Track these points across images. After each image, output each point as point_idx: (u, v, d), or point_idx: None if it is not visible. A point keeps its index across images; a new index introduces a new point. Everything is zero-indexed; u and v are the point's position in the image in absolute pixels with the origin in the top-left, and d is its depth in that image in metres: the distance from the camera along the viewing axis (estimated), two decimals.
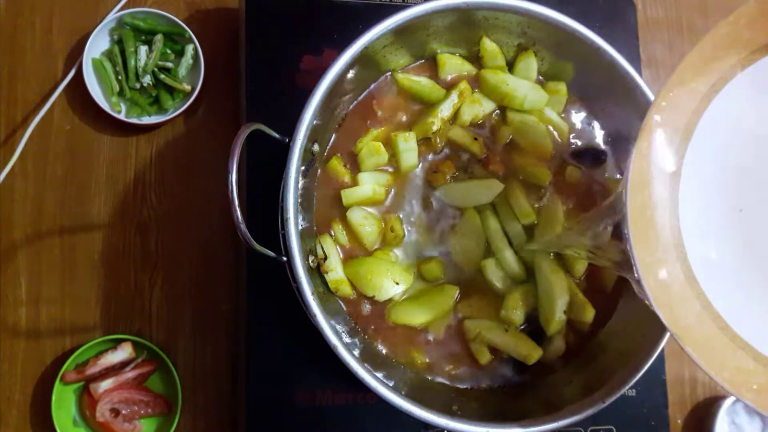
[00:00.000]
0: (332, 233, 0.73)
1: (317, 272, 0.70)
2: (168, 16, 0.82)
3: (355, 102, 0.77)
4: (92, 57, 0.82)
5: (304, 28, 0.81)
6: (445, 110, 0.76)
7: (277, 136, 0.67)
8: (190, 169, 0.85)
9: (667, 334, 0.69)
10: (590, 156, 0.81)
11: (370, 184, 0.74)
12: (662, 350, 0.69)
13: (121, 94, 0.83)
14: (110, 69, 0.82)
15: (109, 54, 0.83)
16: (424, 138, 0.76)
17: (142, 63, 0.82)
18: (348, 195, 0.73)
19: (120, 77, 0.82)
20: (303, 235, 0.68)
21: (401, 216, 0.75)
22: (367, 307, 0.72)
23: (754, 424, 0.92)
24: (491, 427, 0.65)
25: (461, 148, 0.77)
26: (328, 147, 0.75)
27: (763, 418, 0.92)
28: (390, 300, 0.72)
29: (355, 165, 0.75)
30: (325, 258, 0.70)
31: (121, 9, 0.84)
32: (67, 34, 0.84)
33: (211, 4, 0.89)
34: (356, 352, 0.66)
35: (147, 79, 0.82)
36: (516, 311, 0.74)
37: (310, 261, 0.68)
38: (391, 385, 0.65)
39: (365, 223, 0.73)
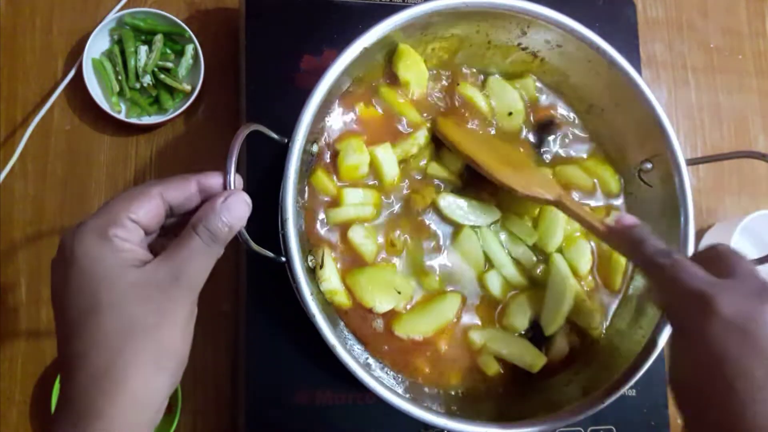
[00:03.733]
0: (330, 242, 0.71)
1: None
2: (168, 16, 0.82)
3: (339, 105, 0.74)
4: (92, 57, 0.82)
5: (304, 28, 0.81)
6: (420, 137, 0.74)
7: (276, 136, 0.67)
8: (190, 169, 0.83)
9: (667, 334, 0.69)
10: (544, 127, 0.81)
11: (354, 205, 0.71)
12: (662, 350, 0.69)
13: (121, 94, 0.83)
14: (110, 69, 0.82)
15: (109, 54, 0.83)
16: (404, 160, 0.74)
17: (142, 63, 0.82)
18: (332, 216, 0.71)
19: (120, 77, 0.82)
20: (302, 235, 0.68)
21: (397, 231, 0.73)
22: (366, 318, 0.71)
23: None
24: (491, 427, 0.65)
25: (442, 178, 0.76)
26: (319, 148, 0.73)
27: None
28: (392, 311, 0.71)
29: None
30: (322, 265, 0.69)
31: (121, 9, 0.84)
32: (67, 34, 0.84)
33: (211, 4, 0.89)
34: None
35: (147, 79, 0.82)
36: (519, 317, 0.73)
37: (309, 261, 0.68)
38: (391, 386, 0.65)
39: (366, 242, 0.71)
